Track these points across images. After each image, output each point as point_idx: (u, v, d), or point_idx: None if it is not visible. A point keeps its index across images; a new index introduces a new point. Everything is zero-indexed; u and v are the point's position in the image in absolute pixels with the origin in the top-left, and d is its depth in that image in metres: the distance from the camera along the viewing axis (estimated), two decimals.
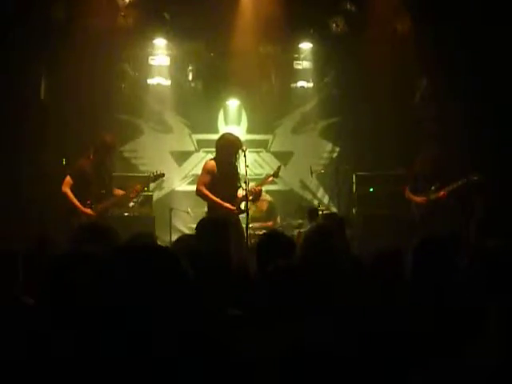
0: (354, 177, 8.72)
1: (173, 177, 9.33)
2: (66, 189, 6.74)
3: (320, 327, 1.64)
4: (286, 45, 9.26)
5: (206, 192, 6.46)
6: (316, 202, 9.08)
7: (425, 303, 2.36)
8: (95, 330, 1.44)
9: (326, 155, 9.64)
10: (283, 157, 9.52)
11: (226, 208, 6.40)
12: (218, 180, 6.47)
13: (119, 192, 7.03)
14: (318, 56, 9.33)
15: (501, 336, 1.60)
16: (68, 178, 6.78)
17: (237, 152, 6.51)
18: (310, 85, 9.51)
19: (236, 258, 5.37)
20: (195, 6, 8.28)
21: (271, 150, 9.67)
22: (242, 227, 6.52)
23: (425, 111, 8.78)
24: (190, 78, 9.16)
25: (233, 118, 9.56)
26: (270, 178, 7.50)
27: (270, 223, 8.12)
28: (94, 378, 1.43)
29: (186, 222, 8.63)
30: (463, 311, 1.95)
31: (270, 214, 8.27)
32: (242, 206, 6.52)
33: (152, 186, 8.29)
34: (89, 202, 6.74)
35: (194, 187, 6.83)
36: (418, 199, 7.40)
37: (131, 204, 7.87)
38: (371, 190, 8.60)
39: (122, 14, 8.32)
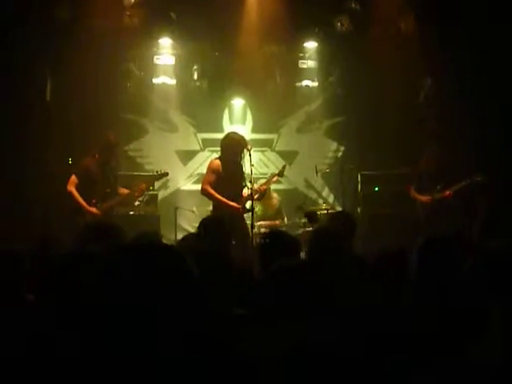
0: (358, 176, 8.72)
1: (178, 176, 9.34)
2: (72, 188, 6.76)
3: (323, 327, 1.65)
4: (291, 44, 9.25)
5: (211, 191, 6.47)
6: (321, 201, 9.09)
7: (429, 303, 2.36)
8: (100, 329, 1.45)
9: (330, 154, 9.63)
10: (288, 156, 9.52)
11: (231, 207, 6.40)
12: (223, 179, 6.47)
13: (124, 191, 7.04)
14: (322, 55, 9.32)
15: (504, 336, 1.60)
16: (73, 177, 6.80)
17: (242, 151, 6.52)
18: (315, 84, 9.50)
19: (240, 257, 5.38)
20: (200, 5, 8.29)
21: (276, 149, 9.67)
22: (247, 226, 6.53)
23: (429, 110, 8.77)
24: (195, 77, 9.16)
25: (238, 117, 9.56)
26: (275, 178, 7.51)
27: (277, 222, 8.14)
28: (100, 377, 1.44)
29: (191, 220, 8.64)
30: (467, 311, 1.95)
31: (278, 213, 8.29)
32: (248, 205, 6.53)
33: (157, 184, 8.32)
34: (94, 201, 6.76)
35: (199, 186, 6.84)
36: (423, 198, 7.39)
37: (136, 203, 7.88)
38: (376, 189, 8.59)
39: (128, 13, 8.33)
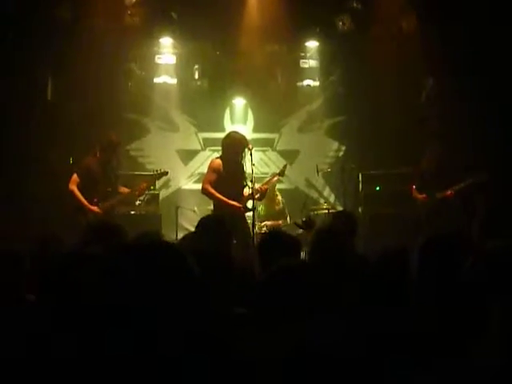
0: (360, 175, 8.72)
1: (179, 175, 9.35)
2: (73, 187, 6.77)
3: (324, 327, 1.65)
4: (292, 43, 9.25)
5: (212, 190, 6.47)
6: (322, 201, 9.09)
7: (430, 303, 2.36)
8: (101, 328, 1.45)
9: (331, 154, 9.63)
10: (289, 155, 9.52)
11: (232, 206, 6.41)
12: (224, 178, 6.47)
13: (125, 190, 7.06)
14: (324, 54, 9.32)
15: (505, 336, 1.60)
16: (75, 176, 6.81)
17: (243, 151, 6.52)
18: (316, 83, 9.50)
19: (241, 256, 5.37)
20: (202, 5, 8.29)
21: (277, 148, 9.67)
22: (248, 226, 6.53)
23: (430, 110, 8.76)
24: (197, 76, 9.16)
25: (239, 116, 9.56)
26: (276, 177, 7.51)
27: (280, 222, 8.15)
28: (100, 376, 1.44)
29: (192, 220, 8.63)
30: (468, 311, 1.95)
31: (281, 213, 8.30)
32: (249, 204, 6.53)
33: (158, 184, 8.33)
34: (96, 200, 6.78)
35: (200, 186, 6.84)
36: (420, 197, 7.41)
37: (138, 202, 7.90)
38: (377, 188, 8.59)
39: (129, 12, 8.34)
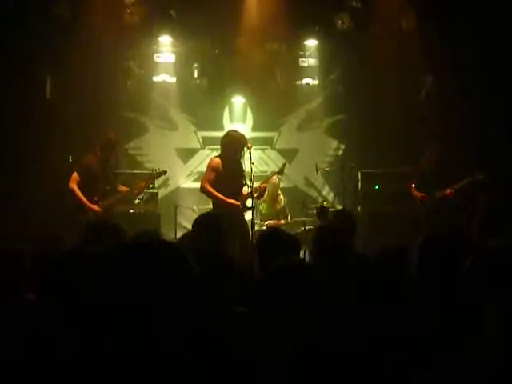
0: (359, 174, 8.72)
1: (178, 174, 9.35)
2: (73, 185, 6.77)
3: (324, 325, 1.65)
4: (291, 42, 9.25)
5: (211, 189, 6.47)
6: (321, 200, 9.08)
7: (429, 301, 2.36)
8: (102, 327, 1.45)
9: (331, 152, 9.63)
10: (288, 154, 9.52)
11: (231, 205, 6.40)
12: (223, 177, 6.47)
13: (123, 189, 7.08)
14: (323, 53, 9.31)
15: (504, 335, 1.60)
16: (75, 175, 6.81)
17: (242, 149, 6.52)
18: (316, 82, 9.50)
19: (240, 255, 5.36)
20: (200, 3, 8.29)
21: (276, 147, 9.67)
22: (247, 225, 6.53)
23: (430, 108, 8.76)
24: (196, 75, 9.15)
25: (238, 115, 9.56)
26: (275, 176, 7.50)
27: (282, 221, 8.15)
28: (101, 375, 1.44)
29: (191, 218, 8.53)
30: (467, 309, 1.95)
31: (283, 212, 8.30)
32: (248, 203, 6.53)
33: (157, 183, 8.32)
34: (96, 199, 6.78)
35: (199, 184, 6.84)
36: (419, 195, 7.41)
37: (136, 201, 7.90)
38: (377, 187, 8.59)
39: (128, 11, 8.33)
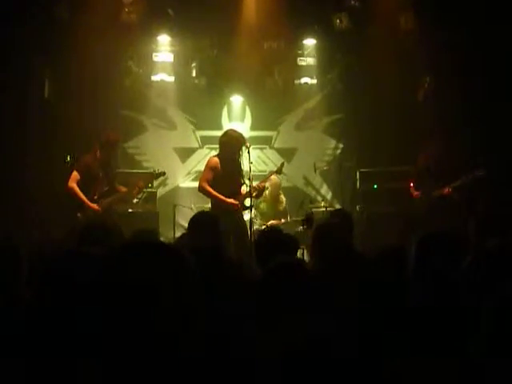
0: (357, 173, 8.72)
1: (176, 173, 9.35)
2: (73, 184, 6.77)
3: (322, 325, 1.65)
4: (290, 41, 9.24)
5: (209, 188, 6.47)
6: (319, 199, 9.09)
7: (427, 300, 2.37)
8: (98, 328, 1.45)
9: (329, 152, 9.63)
10: (287, 153, 9.52)
11: (230, 204, 6.40)
12: (222, 177, 6.48)
13: (122, 188, 7.09)
14: (321, 52, 9.31)
15: (501, 335, 1.60)
16: (75, 173, 6.81)
17: (240, 149, 6.52)
18: (314, 81, 9.50)
19: (238, 254, 5.37)
20: (199, 2, 8.28)
21: (275, 146, 9.67)
22: (245, 224, 6.53)
23: (428, 108, 8.76)
24: (194, 74, 9.15)
25: (236, 114, 9.56)
26: (274, 175, 7.50)
27: (283, 221, 8.15)
28: (100, 375, 1.44)
29: (189, 218, 8.61)
30: (463, 309, 1.95)
31: (284, 212, 8.31)
32: (246, 202, 6.53)
33: (156, 182, 8.32)
34: (96, 198, 6.79)
35: (197, 184, 6.84)
36: (416, 194, 7.43)
37: (135, 200, 7.90)
38: (375, 186, 8.59)
39: (126, 10, 8.32)
